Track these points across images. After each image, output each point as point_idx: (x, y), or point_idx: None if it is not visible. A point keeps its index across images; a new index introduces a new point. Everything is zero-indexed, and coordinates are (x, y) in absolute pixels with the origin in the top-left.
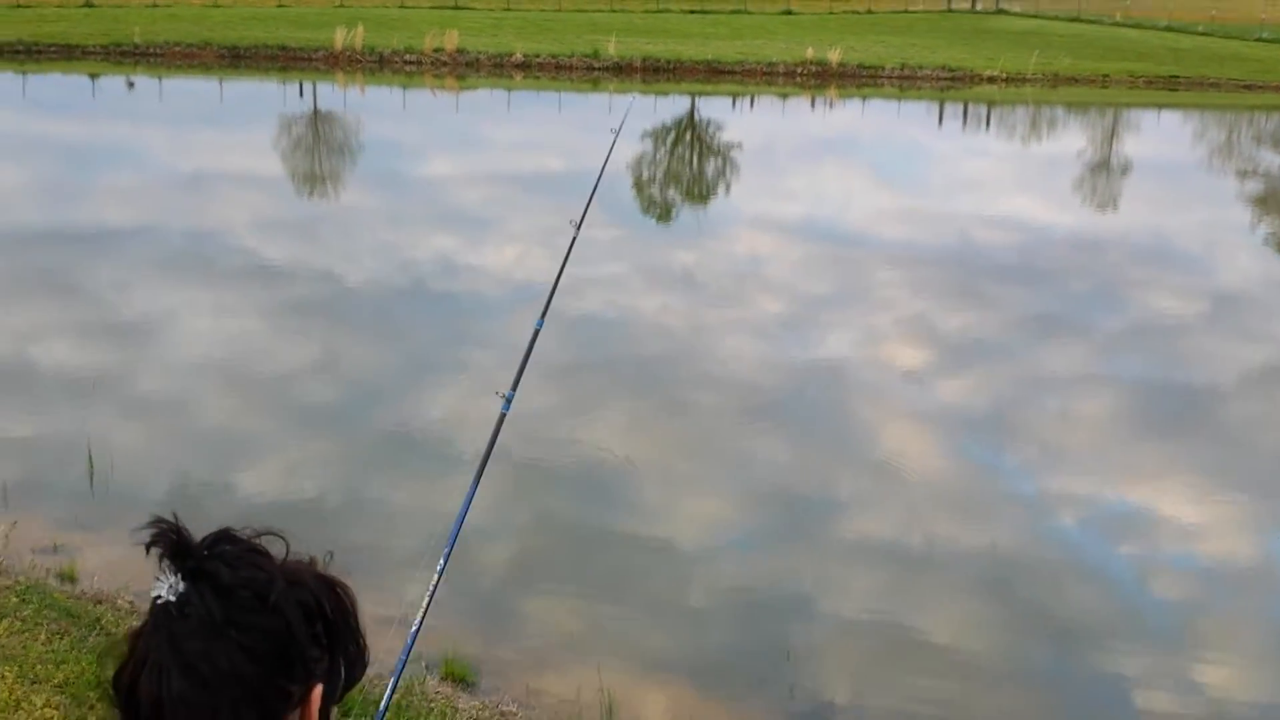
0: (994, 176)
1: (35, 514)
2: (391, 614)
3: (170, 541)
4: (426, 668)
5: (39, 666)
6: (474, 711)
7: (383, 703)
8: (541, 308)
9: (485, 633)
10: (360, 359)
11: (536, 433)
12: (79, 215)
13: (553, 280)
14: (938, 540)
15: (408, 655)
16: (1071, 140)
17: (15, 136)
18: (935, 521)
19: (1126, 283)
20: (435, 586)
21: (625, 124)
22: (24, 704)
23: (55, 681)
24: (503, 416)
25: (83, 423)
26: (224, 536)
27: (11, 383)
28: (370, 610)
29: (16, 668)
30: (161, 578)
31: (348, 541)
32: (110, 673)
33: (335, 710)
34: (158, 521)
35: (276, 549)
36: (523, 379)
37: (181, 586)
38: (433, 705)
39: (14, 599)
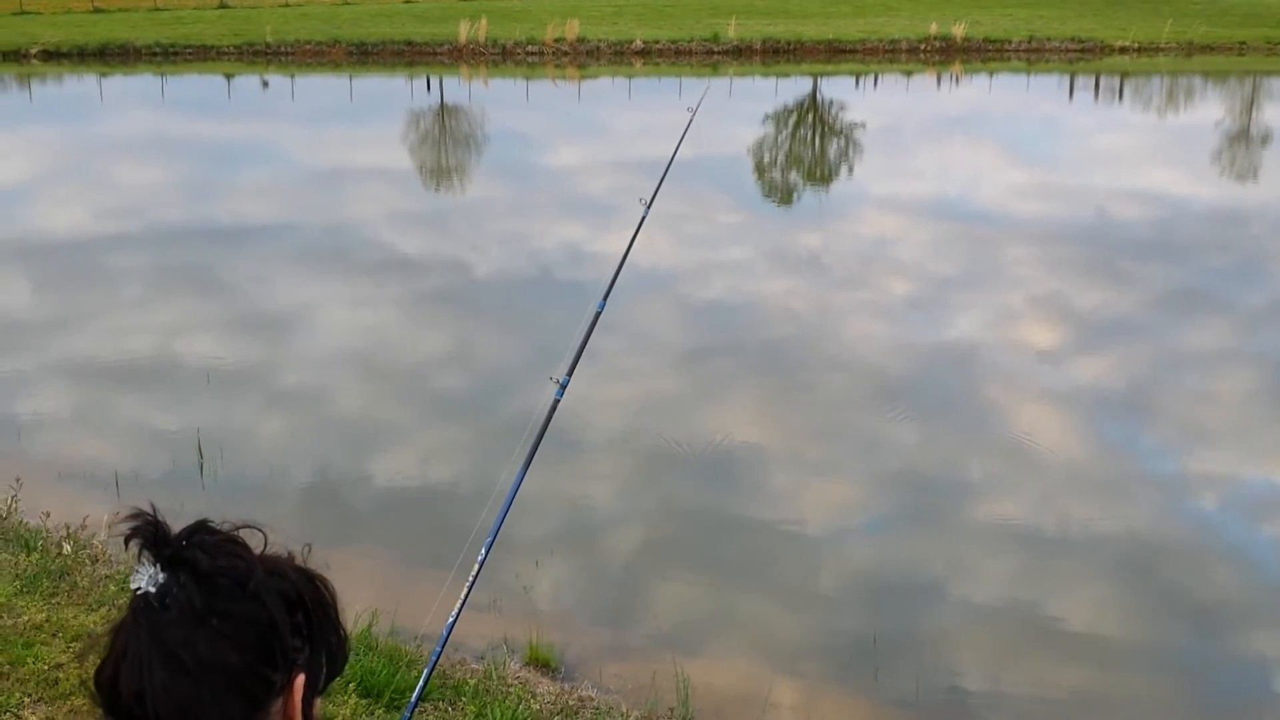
0: (1128, 149)
1: (140, 502)
2: (487, 602)
3: (148, 532)
4: (510, 652)
5: None
6: (552, 696)
7: (415, 692)
8: (604, 289)
9: (589, 620)
10: (485, 348)
11: (664, 417)
12: (219, 212)
13: (688, 256)
14: (1073, 523)
15: (444, 643)
16: (1209, 110)
17: (157, 136)
18: (1071, 504)
19: (1269, 256)
20: (475, 577)
21: (703, 103)
22: None
23: None
24: (556, 402)
25: (197, 415)
26: (202, 527)
27: (136, 377)
28: (486, 601)
29: (85, 660)
30: (140, 568)
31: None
32: (91, 670)
33: (319, 702)
34: (136, 514)
35: (254, 541)
36: (645, 364)
37: (161, 577)
38: (510, 689)
39: (113, 588)
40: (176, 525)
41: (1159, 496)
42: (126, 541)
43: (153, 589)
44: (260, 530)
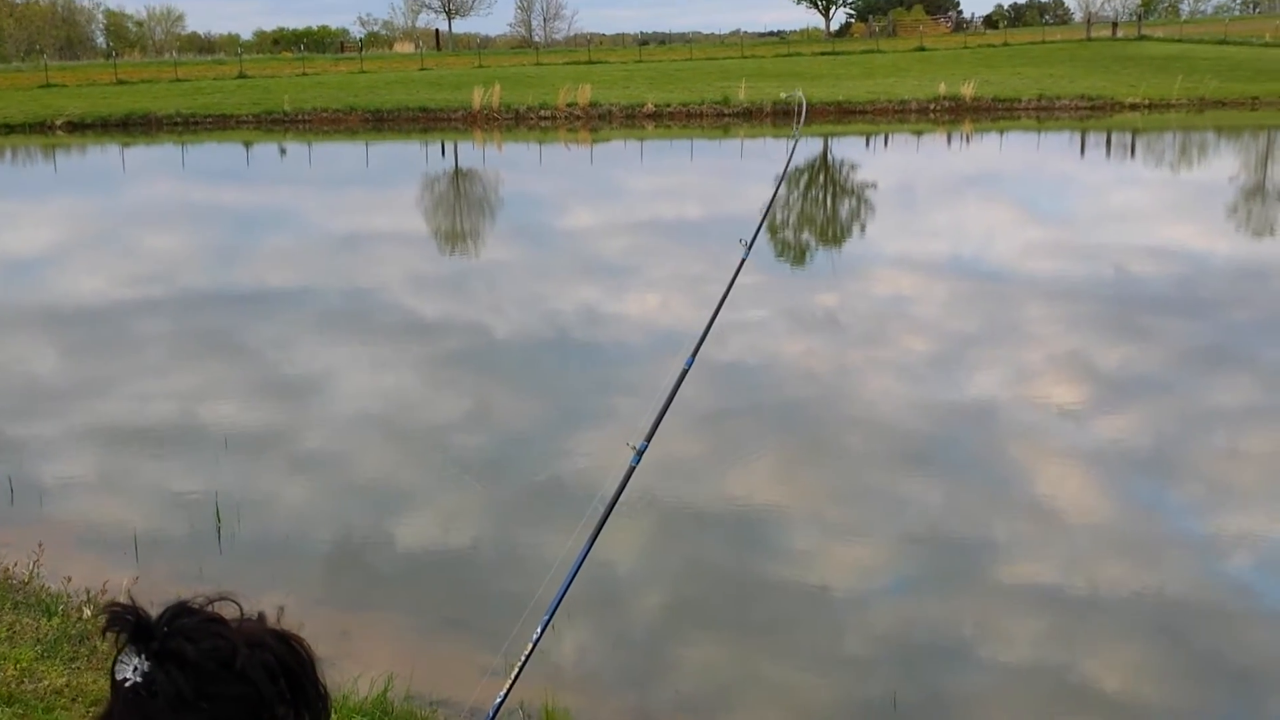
0: (1143, 205)
1: (159, 566)
2: (502, 666)
3: (129, 624)
4: (526, 716)
5: None
6: None
7: None
8: (693, 347)
9: (611, 684)
10: (505, 411)
11: (681, 477)
12: (239, 277)
13: (705, 318)
14: (1102, 584)
15: (501, 703)
16: (1222, 166)
17: (178, 204)
18: (1099, 564)
19: None
20: (538, 638)
21: (789, 163)
22: None
23: None
24: (631, 469)
25: (214, 480)
26: (181, 610)
27: (154, 442)
28: (488, 665)
29: None
30: (125, 660)
31: (485, 597)
32: None
33: None
34: (112, 605)
35: (229, 610)
36: (666, 426)
37: (146, 666)
38: None
39: None
40: (185, 587)
41: (1189, 557)
42: (103, 634)
43: (139, 679)
44: (234, 600)
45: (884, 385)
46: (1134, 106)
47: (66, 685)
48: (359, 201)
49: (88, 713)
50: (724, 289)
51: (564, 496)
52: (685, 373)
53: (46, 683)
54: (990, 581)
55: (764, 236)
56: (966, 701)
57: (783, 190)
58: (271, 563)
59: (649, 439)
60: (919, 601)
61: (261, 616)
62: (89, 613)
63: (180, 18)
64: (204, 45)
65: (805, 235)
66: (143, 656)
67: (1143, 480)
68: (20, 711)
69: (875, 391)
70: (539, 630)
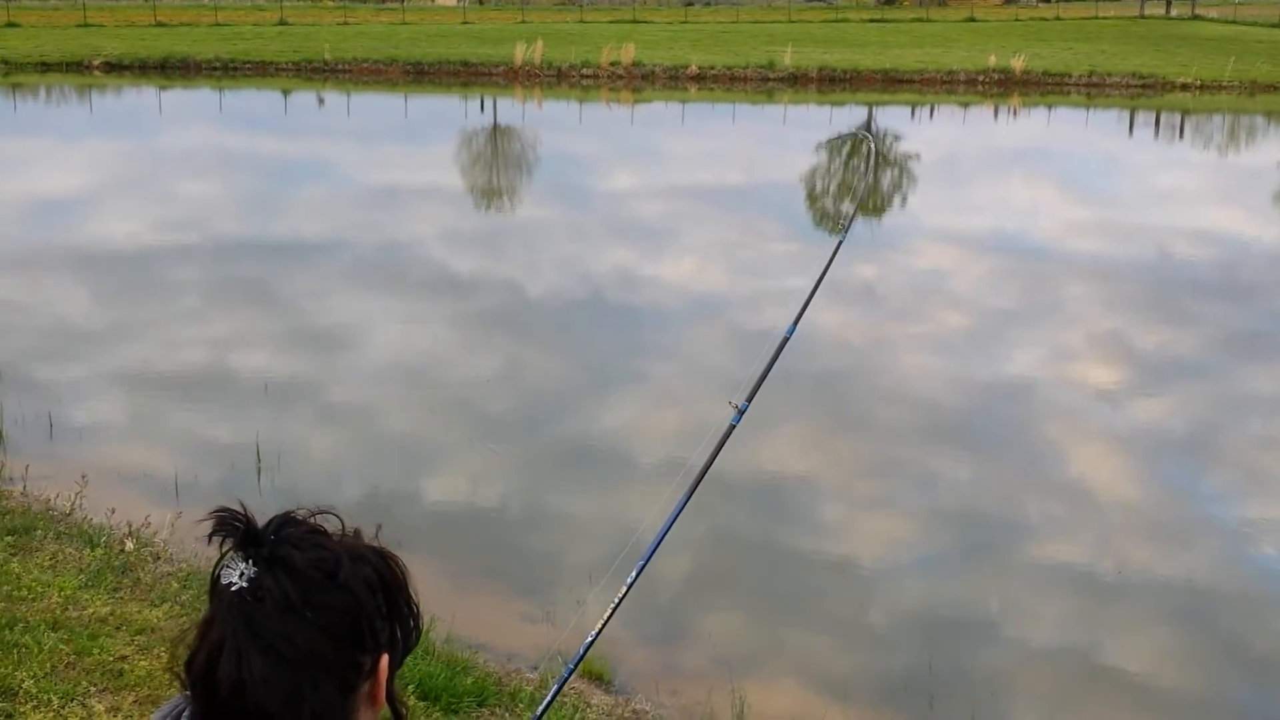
0: (1190, 187)
1: (201, 508)
2: (541, 615)
3: (238, 530)
4: (564, 663)
5: None
6: (606, 707)
7: (541, 706)
8: (795, 314)
9: (638, 647)
10: (539, 369)
11: (711, 445)
12: (274, 228)
13: (742, 283)
14: (1131, 567)
15: (577, 664)
16: (1272, 150)
17: (214, 150)
18: (1129, 547)
19: None
20: (622, 598)
21: (875, 147)
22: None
23: None
24: (732, 428)
25: (256, 424)
26: (287, 520)
27: (196, 386)
28: (528, 613)
29: (173, 652)
30: (231, 565)
31: (513, 547)
32: (183, 660)
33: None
34: (222, 510)
35: (331, 525)
36: (704, 390)
37: (252, 572)
38: (566, 699)
39: (175, 585)
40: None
41: (1220, 543)
42: (210, 538)
43: (245, 584)
44: (337, 515)
45: (919, 360)
46: (1185, 87)
47: (110, 614)
48: (396, 155)
49: (133, 641)
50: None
51: (591, 456)
52: (786, 340)
53: (91, 610)
54: (1019, 560)
55: (803, 205)
56: (991, 678)
57: (824, 159)
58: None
59: (749, 399)
60: (946, 577)
61: (358, 533)
62: (131, 545)
63: None
64: None
65: (845, 205)
66: (249, 562)
67: (1176, 464)
68: (66, 637)
69: (910, 365)
70: (625, 588)
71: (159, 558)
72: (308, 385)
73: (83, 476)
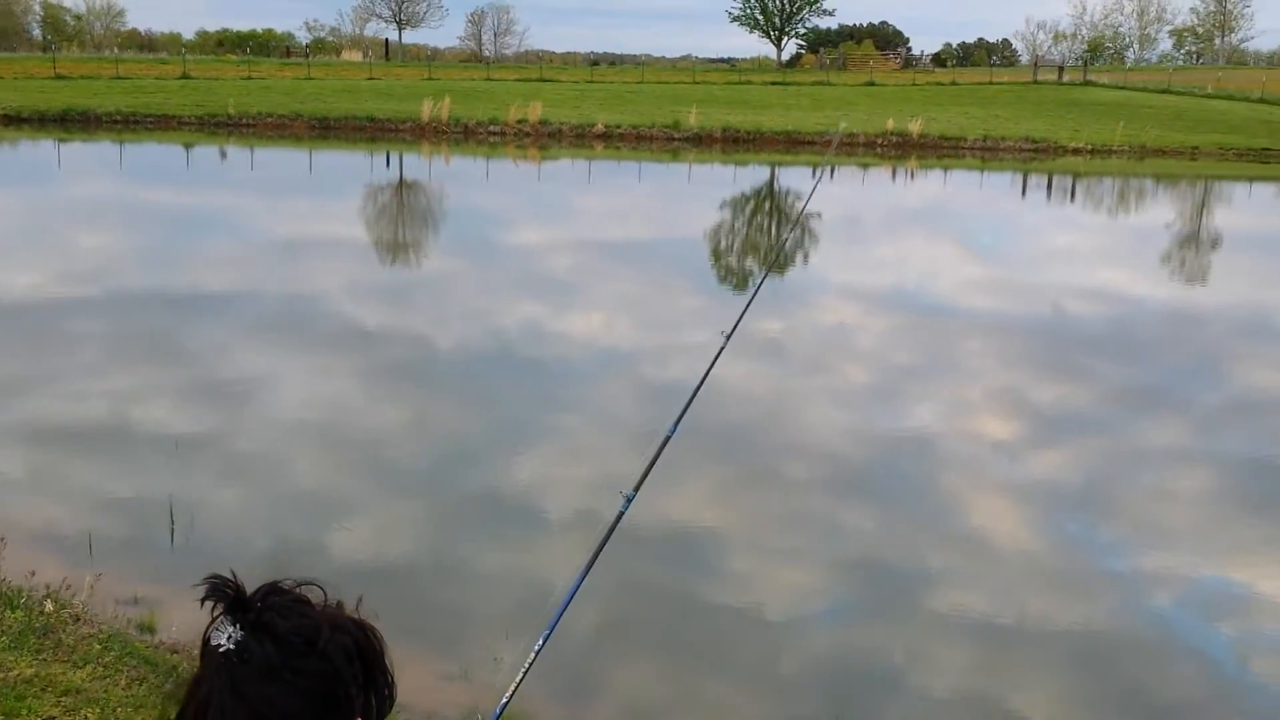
0: (1081, 248)
1: (116, 567)
2: (458, 672)
3: (228, 596)
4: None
5: (119, 710)
6: None
7: None
8: (677, 414)
9: (550, 700)
10: (448, 422)
11: (620, 497)
12: (177, 281)
13: (646, 338)
14: (1031, 617)
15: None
16: (1159, 213)
17: (115, 203)
18: (1028, 597)
19: (1224, 357)
20: (530, 665)
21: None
22: None
23: None
24: (621, 514)
25: (167, 481)
26: (273, 589)
27: (105, 441)
28: (444, 671)
29: (99, 710)
30: (220, 628)
31: (427, 603)
32: (172, 715)
33: None
34: (214, 578)
35: (315, 595)
36: (604, 445)
37: (239, 635)
38: None
39: (96, 646)
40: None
41: (1116, 592)
42: (202, 603)
43: (232, 647)
44: (319, 586)
45: (823, 413)
46: (1076, 151)
47: (35, 675)
48: (299, 209)
49: (59, 702)
50: (709, 367)
51: (502, 509)
52: (668, 439)
53: (15, 672)
54: (922, 609)
55: (708, 261)
56: None
57: (727, 216)
58: (223, 562)
59: (636, 489)
60: (853, 626)
61: (340, 604)
62: (51, 606)
63: (121, 13)
64: (144, 43)
65: (749, 262)
66: (237, 626)
67: (1072, 516)
68: None
69: (815, 419)
70: (532, 656)
71: (79, 619)
72: (216, 440)
73: (1, 539)
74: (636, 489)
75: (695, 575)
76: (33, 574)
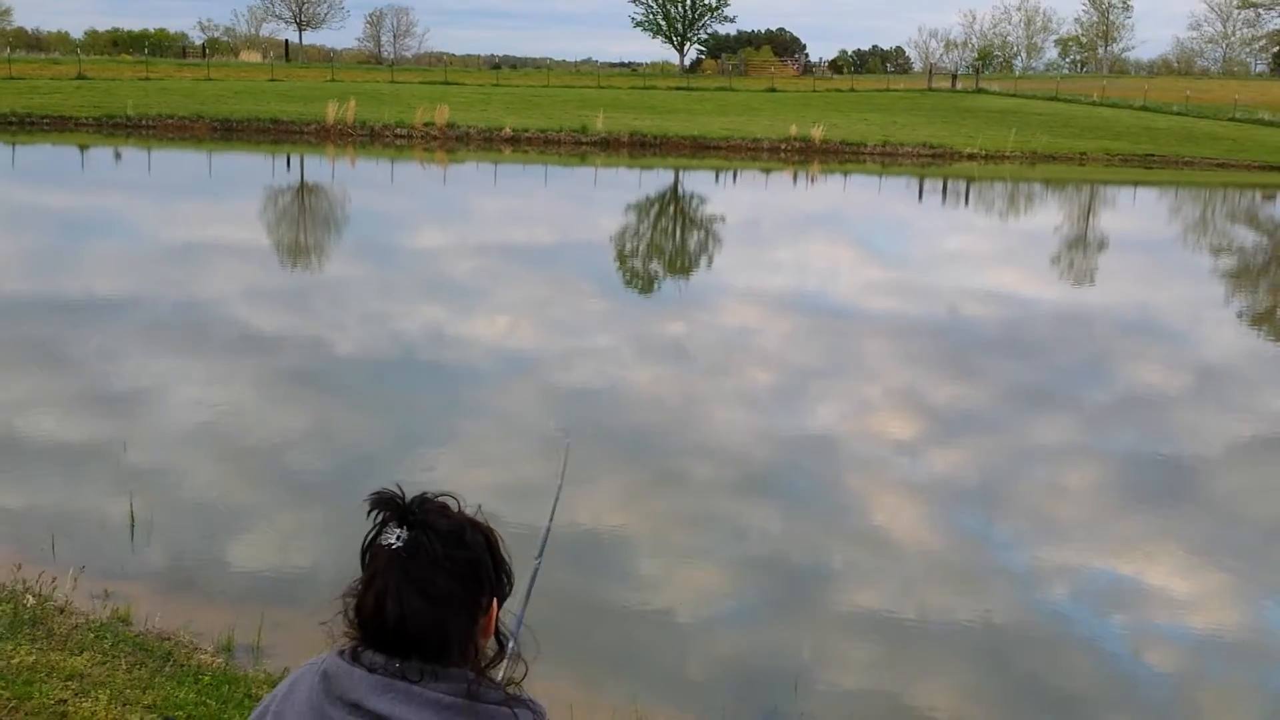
0: (975, 250)
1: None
2: None
3: (394, 504)
4: None
5: (127, 691)
6: None
7: None
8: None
9: None
10: (349, 428)
11: (525, 500)
12: (66, 286)
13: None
14: (932, 611)
15: None
16: (1049, 216)
17: (3, 206)
18: (929, 593)
19: (1111, 356)
20: None
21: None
22: None
23: (144, 704)
24: (535, 573)
25: (46, 493)
26: (424, 500)
27: None
28: None
29: (108, 692)
30: (389, 531)
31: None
32: (353, 606)
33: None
34: (378, 491)
35: (450, 504)
36: (511, 450)
37: (407, 535)
38: None
39: (90, 635)
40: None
41: (1013, 586)
42: (369, 513)
43: (401, 544)
44: (455, 497)
45: (728, 414)
46: (971, 156)
47: (37, 662)
48: (198, 212)
49: (66, 685)
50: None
51: None
52: (536, 571)
53: (17, 660)
54: (827, 607)
55: (613, 264)
56: None
57: (633, 219)
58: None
59: (540, 554)
60: (759, 626)
61: (479, 508)
62: (32, 600)
63: (7, 11)
64: (33, 42)
65: (654, 265)
66: (404, 528)
67: (970, 512)
68: (2, 685)
69: (720, 420)
70: None
71: (63, 611)
72: (104, 450)
73: None
74: (540, 554)
75: (602, 578)
76: (19, 568)
